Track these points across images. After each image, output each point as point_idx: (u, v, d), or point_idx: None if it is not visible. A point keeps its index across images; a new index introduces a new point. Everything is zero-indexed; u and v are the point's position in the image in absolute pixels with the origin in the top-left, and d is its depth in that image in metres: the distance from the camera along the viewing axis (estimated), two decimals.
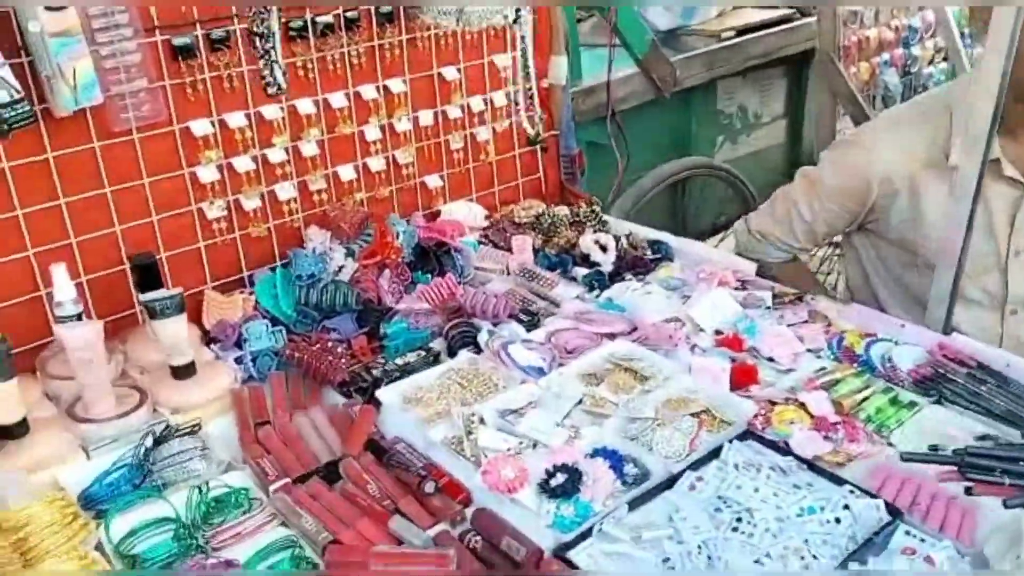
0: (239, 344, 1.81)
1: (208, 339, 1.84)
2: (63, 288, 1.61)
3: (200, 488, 1.40)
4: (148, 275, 1.70)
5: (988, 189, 1.77)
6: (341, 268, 1.99)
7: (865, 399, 1.63)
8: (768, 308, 1.93)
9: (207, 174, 1.89)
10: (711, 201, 3.77)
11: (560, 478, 1.38)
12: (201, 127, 1.86)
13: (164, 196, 1.86)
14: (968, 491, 1.01)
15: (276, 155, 2.00)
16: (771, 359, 1.77)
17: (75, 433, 1.56)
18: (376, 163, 2.20)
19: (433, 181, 2.34)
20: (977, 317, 2.03)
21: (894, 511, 1.33)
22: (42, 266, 1.71)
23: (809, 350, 1.80)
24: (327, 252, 1.98)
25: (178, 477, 1.45)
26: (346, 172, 2.15)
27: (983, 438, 1.49)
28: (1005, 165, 1.91)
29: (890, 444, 1.53)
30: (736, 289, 2.00)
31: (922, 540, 1.29)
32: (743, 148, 4.01)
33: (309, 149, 2.05)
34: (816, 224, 2.21)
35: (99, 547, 1.33)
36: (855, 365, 1.74)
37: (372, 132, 2.16)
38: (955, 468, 1.02)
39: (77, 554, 1.28)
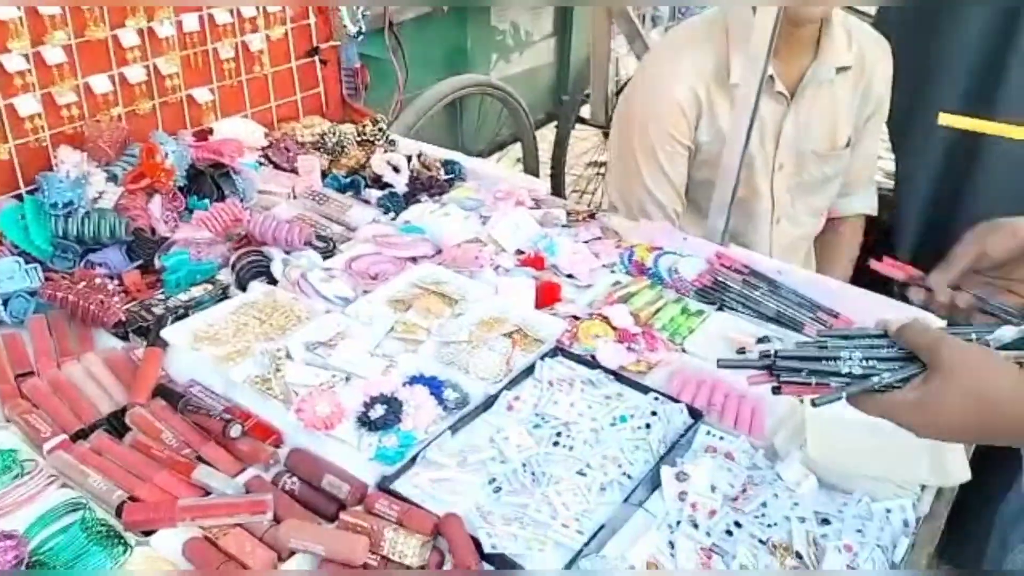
0: None
1: None
2: None
3: None
4: None
5: (762, 105, 1.87)
6: (101, 194, 1.76)
7: (659, 310, 1.71)
8: (564, 226, 1.96)
9: None
10: (488, 120, 3.76)
11: (380, 410, 1.32)
12: None
13: None
14: (775, 391, 1.08)
15: (14, 62, 1.70)
16: (570, 276, 1.80)
17: None
18: (135, 73, 1.95)
19: (202, 95, 2.11)
20: (749, 226, 2.19)
21: (695, 413, 1.42)
22: None
23: (604, 265, 1.85)
24: (84, 176, 1.74)
25: None
26: (100, 83, 1.88)
27: (762, 339, 1.62)
28: (777, 81, 2.03)
29: (683, 350, 1.62)
30: (532, 208, 2.01)
31: (721, 438, 1.39)
32: (516, 67, 4.02)
33: (54, 56, 1.77)
34: (675, 179, 2.12)
35: None
36: (646, 277, 1.82)
37: (129, 37, 1.90)
38: (766, 371, 1.09)
39: None
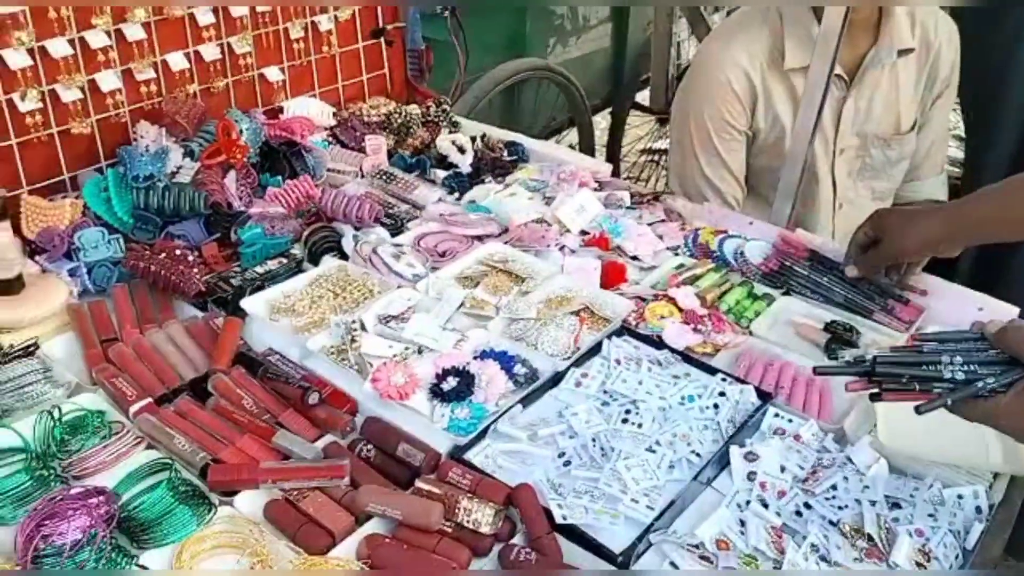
0: (69, 255, 1.61)
1: (31, 250, 1.62)
2: None
3: (51, 413, 1.25)
4: None
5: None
6: (179, 168, 1.81)
7: (724, 292, 1.71)
8: (628, 208, 1.97)
9: (17, 59, 1.63)
10: (545, 104, 3.77)
11: (452, 381, 1.35)
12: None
13: None
14: (874, 397, 1.08)
15: (97, 39, 1.75)
16: (635, 257, 1.81)
17: None
18: (210, 51, 1.99)
19: (273, 74, 2.15)
20: (815, 212, 2.17)
21: (763, 395, 1.42)
22: None
23: (668, 248, 1.86)
24: (163, 150, 1.79)
25: (21, 403, 1.29)
26: (176, 60, 1.93)
27: (829, 324, 1.62)
28: (835, 65, 2.01)
29: (750, 333, 1.62)
30: (595, 189, 2.01)
31: (789, 420, 1.39)
32: (573, 51, 4.01)
33: (134, 32, 1.81)
34: (733, 166, 2.13)
35: None
36: (710, 260, 1.82)
37: (204, 16, 1.94)
38: (864, 378, 1.08)
39: None
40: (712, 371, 1.47)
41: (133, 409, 1.31)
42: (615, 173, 4.15)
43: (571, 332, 1.50)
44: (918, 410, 1.03)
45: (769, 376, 1.49)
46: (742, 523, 1.20)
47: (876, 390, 1.07)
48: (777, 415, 1.40)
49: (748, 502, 1.23)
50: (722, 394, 1.41)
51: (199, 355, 1.45)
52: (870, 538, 1.18)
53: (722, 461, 1.31)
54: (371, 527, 1.17)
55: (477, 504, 1.17)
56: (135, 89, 1.87)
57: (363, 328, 1.45)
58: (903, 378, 1.05)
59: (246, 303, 1.51)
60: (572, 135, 4.04)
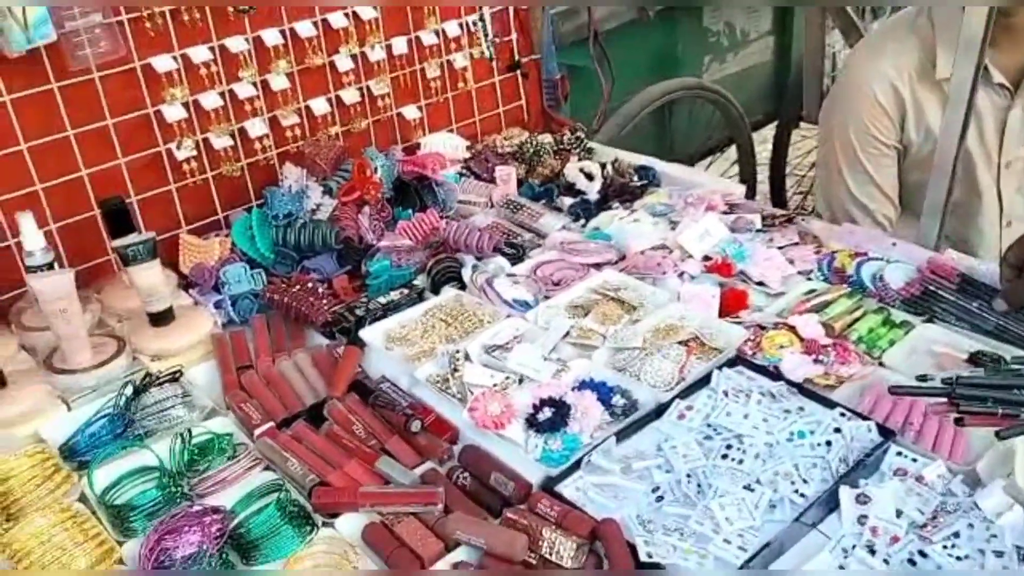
0: (217, 288, 1.77)
1: (186, 284, 1.80)
2: (31, 237, 1.57)
3: (183, 435, 1.37)
4: (120, 220, 1.64)
5: (978, 99, 1.72)
6: (319, 206, 1.94)
7: (856, 320, 1.60)
8: (758, 231, 1.90)
9: (173, 112, 1.82)
10: (699, 124, 3.69)
11: (547, 412, 1.35)
12: (163, 63, 1.78)
13: (130, 137, 1.80)
14: (958, 421, 0.99)
15: (244, 90, 1.92)
16: (761, 283, 1.73)
17: (54, 385, 1.53)
18: (350, 95, 2.12)
19: (411, 112, 2.27)
20: (978, 231, 2.00)
21: (886, 432, 1.32)
22: (9, 215, 1.66)
23: (799, 272, 1.77)
24: (303, 190, 1.93)
25: (160, 425, 1.43)
26: (319, 105, 2.07)
27: (975, 355, 1.47)
28: (994, 72, 1.86)
29: (881, 364, 1.51)
30: (725, 212, 1.95)
31: (914, 460, 1.28)
32: (731, 67, 3.90)
33: (278, 82, 1.97)
34: (883, 182, 2.03)
35: (82, 498, 1.32)
36: (845, 285, 1.71)
37: (344, 62, 2.08)
38: (946, 399, 1.00)
39: (60, 506, 1.27)
40: (831, 405, 1.38)
41: (257, 432, 1.42)
42: (780, 189, 4.01)
43: (677, 362, 1.46)
44: (999, 435, 0.94)
45: (898, 411, 1.38)
46: (842, 569, 1.12)
47: (959, 414, 0.98)
48: (900, 454, 1.29)
49: (854, 547, 1.15)
50: (837, 430, 1.32)
51: (321, 382, 1.54)
52: None
53: (831, 503, 1.22)
54: (460, 554, 1.20)
55: (560, 537, 1.16)
56: (281, 134, 2.03)
57: (467, 358, 1.49)
58: (987, 401, 0.96)
59: (365, 333, 1.60)
60: (731, 153, 3.93)
